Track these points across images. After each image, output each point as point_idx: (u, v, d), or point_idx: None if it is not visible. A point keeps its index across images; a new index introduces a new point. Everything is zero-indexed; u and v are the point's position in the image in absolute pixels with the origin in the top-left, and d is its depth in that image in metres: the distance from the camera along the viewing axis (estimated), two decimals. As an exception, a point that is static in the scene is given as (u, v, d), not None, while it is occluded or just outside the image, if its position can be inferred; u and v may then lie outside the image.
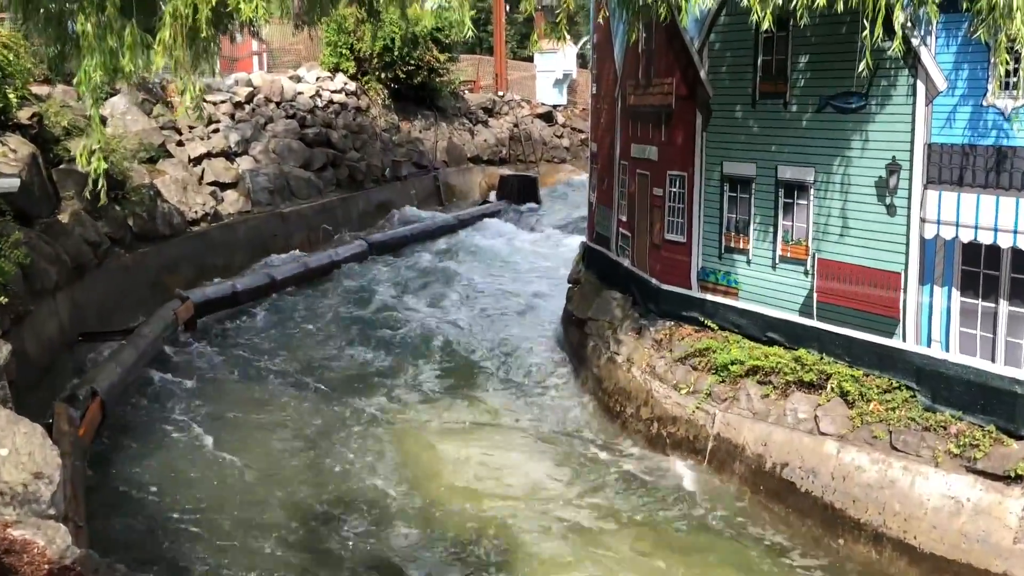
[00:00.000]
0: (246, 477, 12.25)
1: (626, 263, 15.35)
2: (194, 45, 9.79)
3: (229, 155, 25.71)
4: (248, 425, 13.86)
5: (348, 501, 11.58)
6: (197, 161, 24.23)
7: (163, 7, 9.38)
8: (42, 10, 9.74)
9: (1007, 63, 9.17)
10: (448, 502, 11.53)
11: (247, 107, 28.54)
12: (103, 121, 21.24)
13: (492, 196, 36.17)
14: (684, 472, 11.98)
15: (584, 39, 38.95)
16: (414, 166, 34.23)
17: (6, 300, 12.05)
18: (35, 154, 16.35)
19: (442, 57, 35.83)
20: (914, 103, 10.52)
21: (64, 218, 17.01)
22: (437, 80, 36.51)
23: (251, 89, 29.12)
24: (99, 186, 9.19)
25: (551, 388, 15.58)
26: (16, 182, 13.83)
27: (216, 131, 25.95)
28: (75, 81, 8.89)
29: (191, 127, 24.92)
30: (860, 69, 9.69)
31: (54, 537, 6.73)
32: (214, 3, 8.65)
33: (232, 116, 27.64)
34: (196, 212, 22.34)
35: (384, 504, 11.51)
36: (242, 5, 8.46)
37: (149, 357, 15.62)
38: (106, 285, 17.69)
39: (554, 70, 45.46)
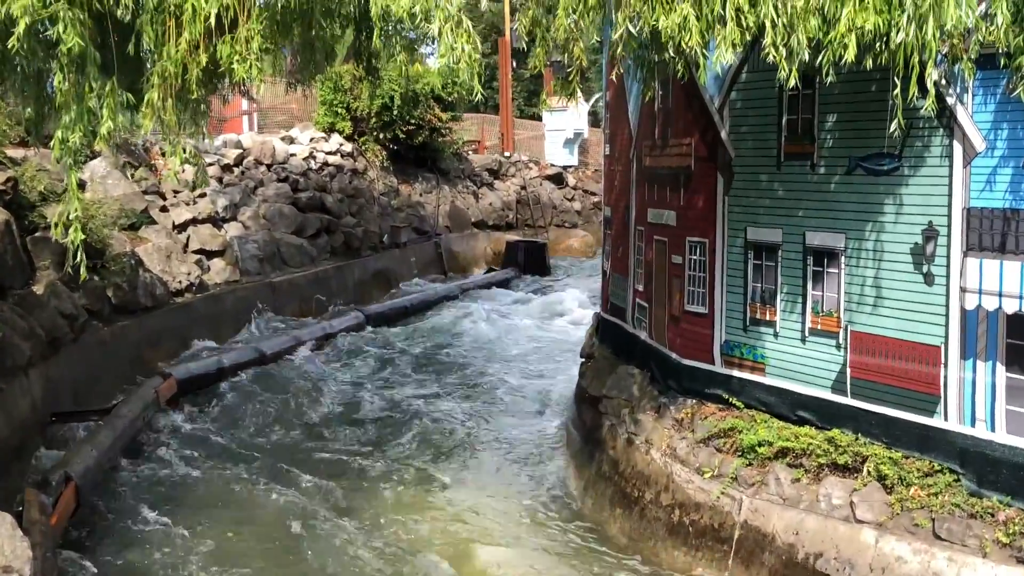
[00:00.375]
0: (229, 567, 12.14)
1: (643, 336, 15.36)
2: (186, 107, 9.98)
3: (216, 221, 25.94)
4: (233, 511, 13.77)
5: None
6: (182, 228, 24.44)
7: (149, 67, 9.56)
8: (20, 69, 9.92)
9: (1049, 122, 9.27)
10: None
11: (236, 170, 28.89)
12: (82, 186, 21.57)
13: (483, 271, 36.24)
14: (707, 566, 11.88)
15: (596, 96, 39.45)
16: (414, 232, 34.49)
17: (-26, 378, 12.10)
18: (8, 221, 16.51)
19: (444, 116, 36.31)
20: (951, 165, 10.61)
21: (39, 289, 17.11)
22: (439, 140, 36.97)
23: (240, 151, 29.49)
24: (78, 259, 9.23)
25: (560, 474, 15.56)
26: (-12, 251, 13.97)
27: (203, 195, 26.19)
28: (51, 144, 9.00)
29: (176, 191, 25.18)
30: (892, 129, 9.78)
31: (23, 638, 6.68)
32: (204, 63, 8.81)
33: (220, 180, 27.98)
34: (180, 282, 22.47)
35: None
36: (236, 66, 8.61)
37: (128, 439, 15.59)
38: (82, 361, 17.73)
39: (564, 129, 46.02)
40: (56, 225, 9.28)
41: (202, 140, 10.87)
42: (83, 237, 9.18)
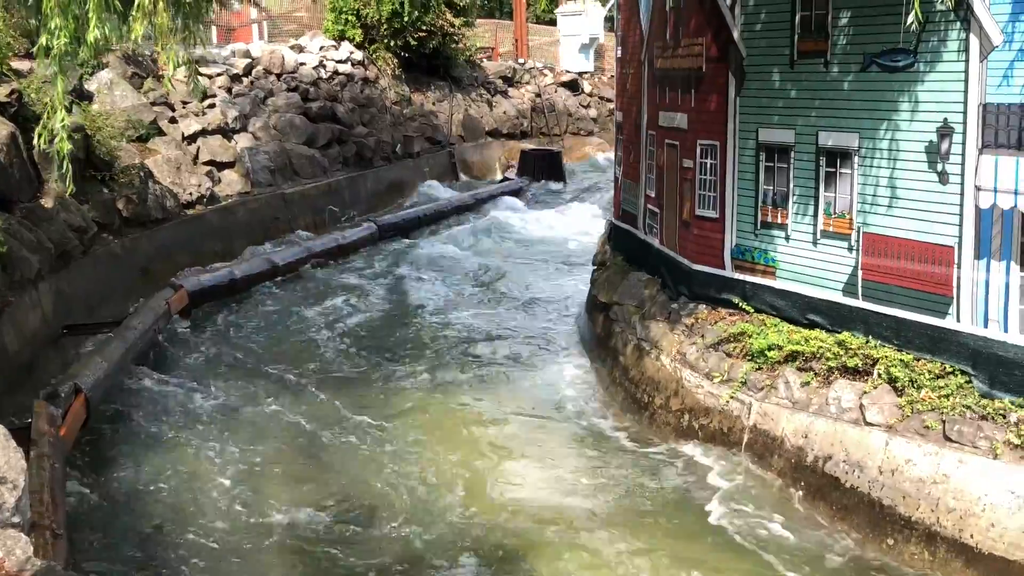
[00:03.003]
0: (244, 479, 12.24)
1: (654, 242, 15.22)
2: (179, 10, 9.73)
3: (226, 132, 25.73)
4: (247, 426, 13.83)
5: (357, 504, 11.68)
6: (192, 139, 24.27)
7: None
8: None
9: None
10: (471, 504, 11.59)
11: (245, 80, 28.56)
12: (89, 97, 21.36)
13: (511, 172, 35.96)
14: (717, 467, 11.87)
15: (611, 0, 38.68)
16: (427, 141, 34.15)
17: (-19, 291, 12.08)
18: (14, 134, 16.39)
19: (457, 22, 35.67)
20: (967, 60, 10.32)
21: (47, 202, 17.05)
22: (452, 47, 36.35)
23: (249, 60, 29.13)
24: (64, 169, 9.03)
25: (571, 378, 15.56)
26: (-8, 164, 13.87)
27: (212, 106, 25.97)
28: (34, 50, 8.77)
29: (185, 102, 24.94)
30: (909, 22, 9.51)
31: (13, 548, 6.66)
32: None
33: (229, 90, 27.65)
34: (191, 194, 22.36)
35: (400, 507, 11.56)
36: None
37: (138, 351, 15.61)
38: (93, 274, 17.73)
39: (579, 34, 45.17)
40: (40, 136, 9.03)
41: (203, 48, 10.60)
42: (70, 147, 8.95)
